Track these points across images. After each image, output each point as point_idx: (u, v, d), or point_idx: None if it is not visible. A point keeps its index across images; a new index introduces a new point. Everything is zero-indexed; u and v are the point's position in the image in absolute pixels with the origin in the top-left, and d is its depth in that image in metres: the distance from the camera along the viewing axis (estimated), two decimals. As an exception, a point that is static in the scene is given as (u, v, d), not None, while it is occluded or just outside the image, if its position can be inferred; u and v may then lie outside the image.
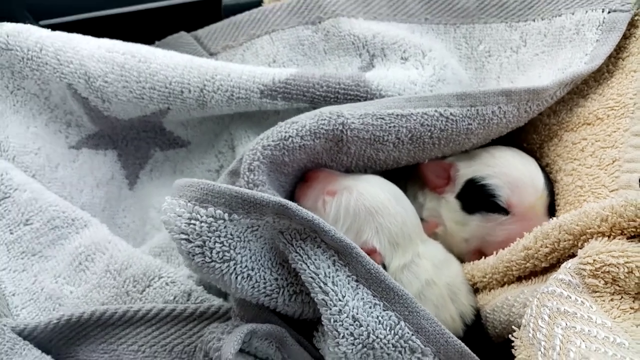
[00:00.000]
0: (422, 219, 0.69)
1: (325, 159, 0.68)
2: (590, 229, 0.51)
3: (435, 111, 0.65)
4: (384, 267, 0.60)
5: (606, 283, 0.47)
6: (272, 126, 0.80)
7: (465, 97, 0.65)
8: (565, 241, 0.54)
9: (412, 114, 0.64)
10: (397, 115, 0.64)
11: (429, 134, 0.65)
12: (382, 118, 0.64)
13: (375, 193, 0.62)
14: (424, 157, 0.69)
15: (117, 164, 0.80)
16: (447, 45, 0.83)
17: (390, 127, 0.64)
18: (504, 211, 0.66)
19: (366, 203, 0.61)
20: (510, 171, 0.67)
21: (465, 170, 0.70)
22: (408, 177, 0.78)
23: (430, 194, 0.74)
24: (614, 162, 0.61)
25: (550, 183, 0.69)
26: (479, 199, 0.68)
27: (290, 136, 0.63)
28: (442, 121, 0.65)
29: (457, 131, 0.66)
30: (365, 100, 0.72)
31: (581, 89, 0.70)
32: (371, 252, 0.60)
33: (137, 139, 0.81)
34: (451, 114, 0.65)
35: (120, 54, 0.71)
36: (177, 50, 0.76)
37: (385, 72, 0.76)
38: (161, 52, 0.73)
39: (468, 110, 0.65)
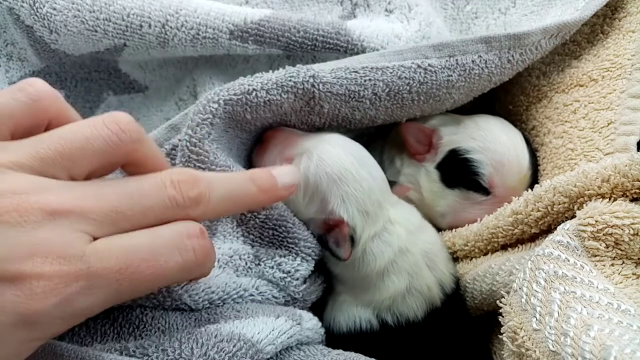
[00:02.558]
0: (394, 182, 0.64)
1: (294, 121, 0.62)
2: (589, 190, 0.47)
3: (413, 63, 0.60)
4: (353, 239, 0.55)
5: (607, 246, 0.43)
6: (241, 75, 0.74)
7: (442, 47, 0.61)
8: (559, 204, 0.50)
9: (387, 67, 0.59)
10: (372, 68, 0.59)
11: (408, 87, 0.60)
12: (356, 71, 0.59)
13: (337, 157, 0.56)
14: (402, 115, 0.64)
15: (65, 106, 0.72)
16: (433, 4, 0.77)
17: (365, 80, 0.59)
18: (485, 191, 0.63)
19: (327, 169, 0.55)
20: (496, 147, 0.63)
21: (449, 139, 0.66)
22: (386, 138, 0.74)
23: (408, 160, 0.70)
24: (609, 124, 0.57)
25: (535, 160, 0.65)
26: (460, 173, 0.64)
27: (254, 89, 0.56)
28: (420, 73, 0.60)
29: (437, 84, 0.61)
30: (345, 51, 0.66)
31: (573, 50, 0.66)
32: (339, 224, 0.55)
33: (88, 80, 0.72)
34: (429, 65, 0.60)
35: (72, -22, 0.63)
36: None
37: (368, 22, 0.69)
38: (119, -20, 0.65)
39: (447, 60, 0.60)
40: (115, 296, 0.36)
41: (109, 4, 0.63)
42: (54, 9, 0.62)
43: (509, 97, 0.70)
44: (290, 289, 0.54)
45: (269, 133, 0.62)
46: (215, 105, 0.55)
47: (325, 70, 0.58)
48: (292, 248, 0.55)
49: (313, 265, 0.57)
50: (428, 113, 0.66)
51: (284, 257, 0.55)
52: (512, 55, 0.62)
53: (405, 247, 0.57)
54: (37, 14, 0.62)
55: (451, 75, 0.61)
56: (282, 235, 0.55)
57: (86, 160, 0.38)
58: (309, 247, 0.56)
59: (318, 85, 0.58)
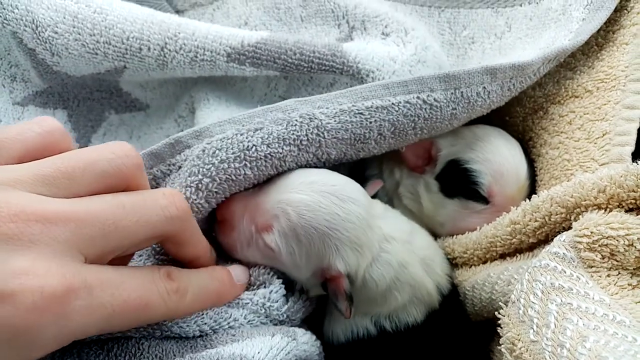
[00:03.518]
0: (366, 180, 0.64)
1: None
2: (585, 200, 0.48)
3: (418, 98, 0.58)
4: (352, 298, 0.54)
5: (603, 257, 0.44)
6: (239, 93, 0.75)
7: (448, 79, 0.59)
8: (556, 214, 0.50)
9: (393, 104, 0.58)
10: (377, 107, 0.58)
11: (412, 124, 0.59)
12: (361, 113, 0.57)
13: (314, 203, 0.52)
14: (401, 146, 0.64)
15: (67, 125, 0.72)
16: (430, 30, 0.78)
17: (371, 122, 0.57)
18: (484, 200, 0.64)
19: (313, 223, 0.52)
20: (495, 157, 0.64)
21: (448, 150, 0.67)
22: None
23: (408, 171, 0.71)
24: (604, 135, 0.58)
25: (532, 170, 0.66)
26: (459, 183, 0.65)
27: (254, 145, 0.54)
28: (425, 109, 0.59)
29: (442, 118, 0.60)
30: (341, 72, 0.67)
31: (568, 62, 0.67)
32: (337, 279, 0.53)
33: (90, 99, 0.74)
34: (435, 99, 0.59)
35: (73, 2, 0.64)
36: (140, 4, 0.69)
37: (364, 45, 0.70)
38: (119, 3, 0.66)
39: (452, 93, 0.59)
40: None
41: (108, 28, 0.64)
42: (56, 32, 0.63)
43: (505, 108, 0.71)
44: (274, 313, 0.54)
45: (223, 211, 0.57)
46: (209, 166, 0.53)
47: (329, 114, 0.56)
48: (255, 285, 0.55)
49: (280, 280, 0.56)
50: (424, 138, 0.66)
51: (257, 289, 0.55)
52: (513, 84, 0.62)
53: (405, 260, 0.56)
54: (39, 37, 0.64)
55: (455, 109, 0.60)
56: None
57: (86, 180, 0.39)
58: (262, 273, 0.55)
59: (323, 133, 0.56)
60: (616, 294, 0.42)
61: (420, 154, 0.68)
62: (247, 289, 0.55)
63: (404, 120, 0.59)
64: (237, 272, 0.53)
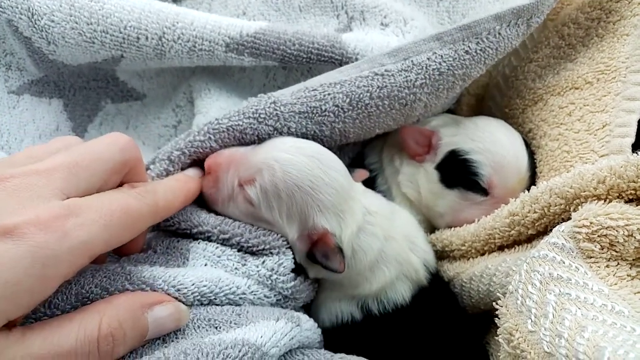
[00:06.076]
0: (352, 169, 0.63)
1: None
2: (585, 191, 0.47)
3: (369, 72, 0.60)
4: (341, 249, 0.54)
5: (602, 248, 0.43)
6: (237, 83, 0.75)
7: (397, 52, 0.61)
8: (556, 206, 0.50)
9: (345, 80, 0.60)
10: (331, 83, 0.60)
11: (368, 94, 0.60)
12: (315, 89, 0.60)
13: (301, 164, 0.54)
14: (372, 125, 0.64)
15: (63, 115, 0.72)
16: (430, 19, 0.78)
17: (325, 95, 0.59)
18: (484, 191, 0.63)
19: (297, 182, 0.53)
20: (496, 148, 0.63)
21: (449, 140, 0.67)
22: (385, 137, 0.74)
23: (407, 159, 0.70)
24: (604, 126, 0.57)
25: (533, 162, 0.65)
26: (459, 174, 0.65)
27: (216, 119, 0.59)
28: (377, 79, 0.60)
29: (397, 86, 0.60)
30: (340, 63, 0.66)
31: (568, 53, 0.67)
32: (324, 236, 0.54)
33: (86, 89, 0.73)
34: (386, 70, 0.60)
35: (69, -10, 0.63)
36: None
37: (363, 35, 0.70)
38: (117, -8, 0.66)
39: (402, 63, 0.61)
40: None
41: (106, 17, 0.63)
42: (52, 21, 0.63)
43: (505, 100, 0.71)
44: (279, 285, 0.54)
45: (210, 161, 0.58)
46: (179, 141, 0.59)
47: (286, 94, 0.60)
48: (266, 249, 0.55)
49: (292, 253, 0.56)
50: (402, 122, 0.66)
51: (266, 255, 0.55)
52: (469, 46, 0.61)
53: (389, 234, 0.57)
54: (35, 25, 0.63)
55: (409, 75, 0.60)
56: (252, 245, 0.55)
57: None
58: (276, 238, 0.56)
59: (280, 107, 0.59)
60: (615, 284, 0.42)
61: (421, 141, 0.68)
62: (255, 253, 0.55)
63: (357, 91, 0.60)
64: (187, 172, 0.58)
